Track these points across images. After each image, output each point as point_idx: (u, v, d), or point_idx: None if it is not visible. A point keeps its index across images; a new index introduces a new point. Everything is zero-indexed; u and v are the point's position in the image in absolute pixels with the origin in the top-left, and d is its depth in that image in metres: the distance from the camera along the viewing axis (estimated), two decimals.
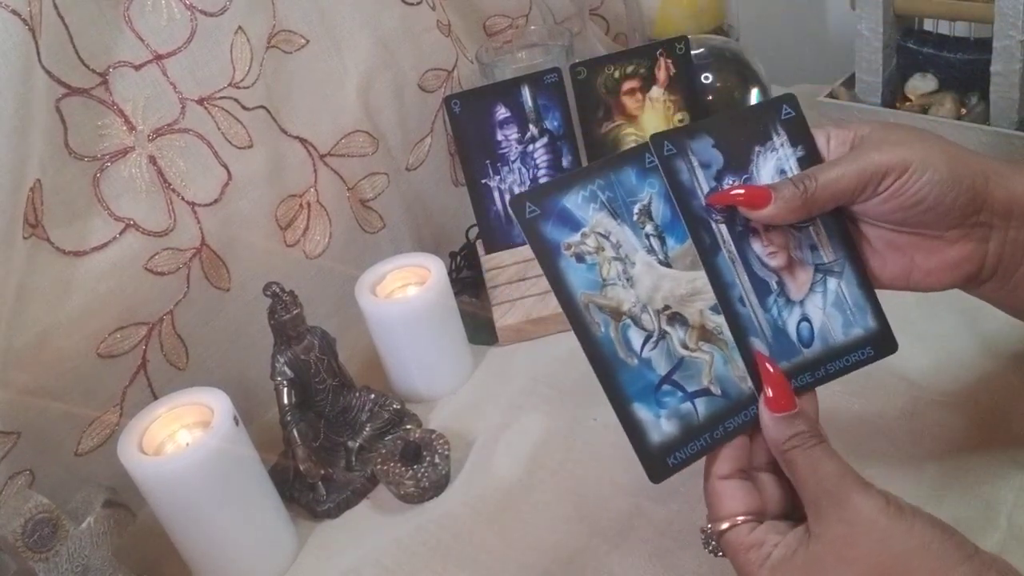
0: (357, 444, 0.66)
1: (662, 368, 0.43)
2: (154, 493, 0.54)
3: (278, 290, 0.62)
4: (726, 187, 0.45)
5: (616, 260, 0.43)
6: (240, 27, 0.67)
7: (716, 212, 0.45)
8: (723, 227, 0.45)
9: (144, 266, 0.63)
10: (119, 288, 0.61)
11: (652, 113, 0.82)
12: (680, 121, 0.82)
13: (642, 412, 0.42)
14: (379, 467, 0.63)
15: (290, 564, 0.60)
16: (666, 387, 0.43)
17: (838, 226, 0.47)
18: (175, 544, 0.57)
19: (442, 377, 0.73)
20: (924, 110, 0.83)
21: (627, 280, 0.43)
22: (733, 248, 0.45)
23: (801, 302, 0.46)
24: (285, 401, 0.63)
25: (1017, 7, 0.71)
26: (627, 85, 0.81)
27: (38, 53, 0.54)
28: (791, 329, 0.45)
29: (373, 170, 0.79)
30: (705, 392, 0.44)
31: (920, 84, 0.85)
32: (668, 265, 0.44)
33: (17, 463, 0.58)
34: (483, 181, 0.80)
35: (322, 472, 0.63)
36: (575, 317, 0.42)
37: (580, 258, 0.43)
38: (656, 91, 0.82)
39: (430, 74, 0.83)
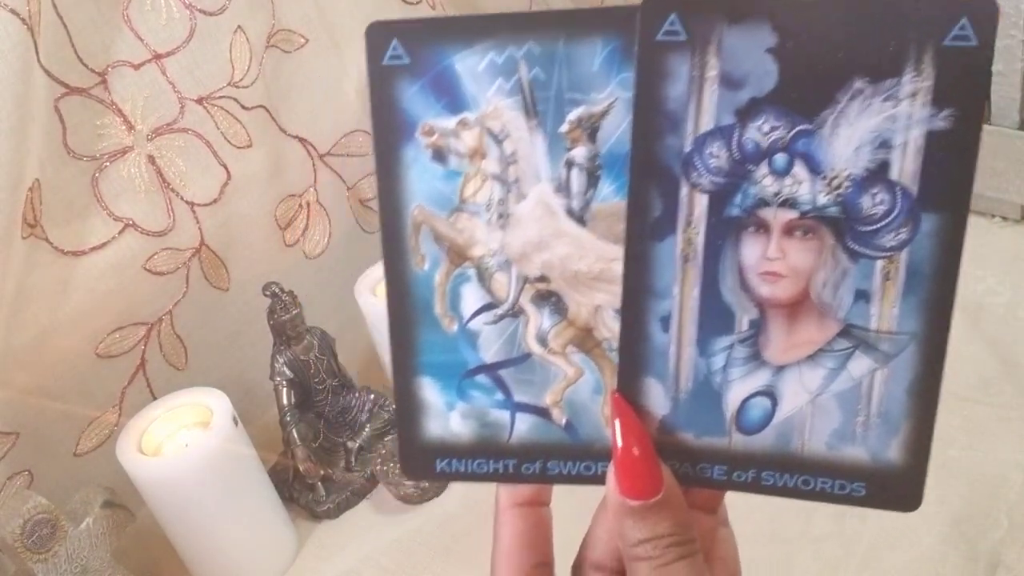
0: (357, 444, 0.66)
1: (489, 353, 0.29)
2: (153, 494, 0.54)
3: (277, 290, 0.62)
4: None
5: (496, 181, 0.28)
6: (239, 26, 0.67)
7: (705, 168, 0.26)
8: (704, 199, 0.26)
9: (143, 266, 0.63)
10: (118, 288, 0.61)
11: None
12: None
13: (428, 391, 0.29)
14: (379, 468, 0.63)
15: (290, 564, 0.60)
16: (482, 379, 0.29)
17: (940, 276, 0.26)
18: (174, 545, 0.57)
19: None
20: None
21: (499, 216, 0.28)
22: (702, 240, 0.26)
23: (779, 368, 0.27)
24: (284, 401, 0.63)
25: (1018, 7, 0.71)
26: None
27: (37, 52, 0.54)
28: (729, 398, 0.27)
29: (373, 169, 0.79)
30: (539, 412, 0.29)
31: None
32: (581, 221, 0.27)
33: (16, 463, 0.58)
34: None
35: (321, 472, 0.63)
36: (391, 235, 0.29)
37: (440, 155, 0.28)
38: None
39: None
